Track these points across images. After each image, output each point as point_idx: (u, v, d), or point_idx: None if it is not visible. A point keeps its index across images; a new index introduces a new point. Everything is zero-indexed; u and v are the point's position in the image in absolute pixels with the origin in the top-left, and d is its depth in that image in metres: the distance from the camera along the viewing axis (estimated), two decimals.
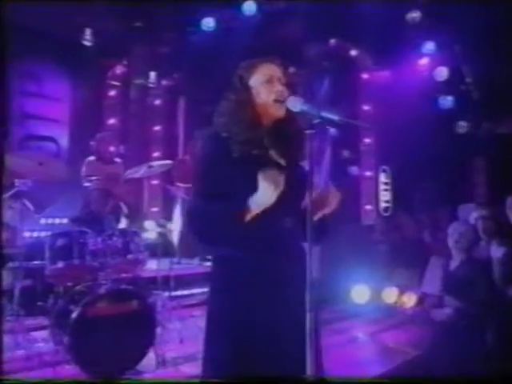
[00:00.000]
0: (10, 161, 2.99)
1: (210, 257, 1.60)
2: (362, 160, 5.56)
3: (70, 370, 2.64)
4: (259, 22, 5.02)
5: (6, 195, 2.94)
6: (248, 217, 1.36)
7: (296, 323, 1.32)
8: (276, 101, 1.49)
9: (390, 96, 5.32)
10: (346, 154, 5.50)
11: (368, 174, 5.57)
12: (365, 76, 5.61)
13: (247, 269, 1.41)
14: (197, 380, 1.49)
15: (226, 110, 1.51)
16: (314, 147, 1.42)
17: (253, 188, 1.37)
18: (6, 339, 2.91)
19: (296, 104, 1.44)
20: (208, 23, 5.30)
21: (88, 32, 5.25)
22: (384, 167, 5.56)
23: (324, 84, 5.40)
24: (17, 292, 2.91)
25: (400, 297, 4.39)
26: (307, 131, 1.41)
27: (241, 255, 1.42)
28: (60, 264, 2.88)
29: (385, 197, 5.52)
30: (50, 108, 5.61)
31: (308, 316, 1.26)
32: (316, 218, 1.42)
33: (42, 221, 4.96)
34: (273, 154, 1.52)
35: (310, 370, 1.24)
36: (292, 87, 1.58)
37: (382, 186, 5.54)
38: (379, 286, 4.55)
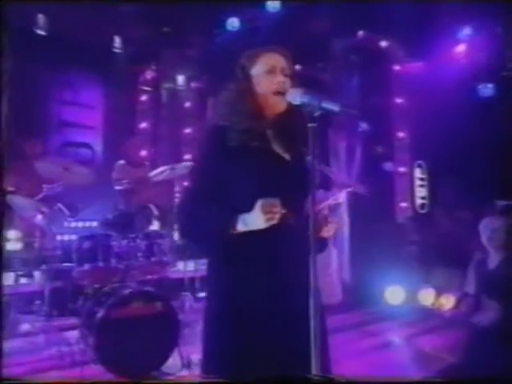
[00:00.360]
0: (38, 167, 3.12)
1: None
2: (396, 155, 5.32)
3: (96, 370, 2.69)
4: (284, 19, 4.94)
5: (35, 199, 3.06)
6: (234, 232, 1.31)
7: (297, 327, 1.26)
8: (276, 93, 1.42)
9: (424, 87, 5.05)
10: (378, 149, 5.29)
11: (402, 169, 5.31)
12: (396, 68, 5.37)
13: (244, 272, 1.34)
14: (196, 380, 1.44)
15: (227, 99, 1.47)
16: (317, 142, 1.33)
17: (249, 183, 1.32)
18: (39, 339, 3.03)
19: (296, 96, 1.37)
20: (233, 23, 5.28)
21: (118, 40, 5.39)
22: (419, 162, 5.29)
23: (353, 78, 5.24)
24: (47, 293, 3.02)
25: (437, 298, 4.15)
26: (309, 124, 1.33)
27: (234, 259, 1.35)
28: (86, 266, 2.96)
29: (421, 193, 5.25)
30: (85, 115, 5.82)
31: (312, 322, 1.19)
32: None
33: (80, 224, 5.15)
34: (276, 147, 1.46)
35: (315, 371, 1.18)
36: (296, 79, 1.51)
37: (418, 182, 5.27)
38: (415, 287, 4.33)
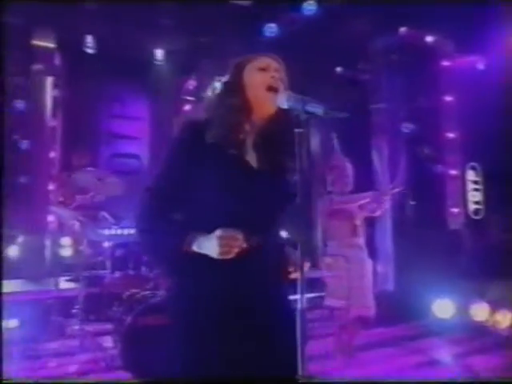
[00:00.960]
0: (75, 178, 3.29)
1: None
2: (446, 157, 4.94)
3: (125, 375, 2.75)
4: (321, 21, 4.81)
5: (70, 208, 3.21)
6: (189, 251, 1.23)
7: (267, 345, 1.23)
8: (269, 88, 1.34)
9: (476, 83, 4.66)
10: (426, 151, 4.97)
11: (453, 172, 4.92)
12: (445, 63, 5.01)
13: (206, 288, 1.26)
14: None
15: (215, 95, 1.40)
16: (304, 149, 1.24)
17: (215, 196, 1.25)
18: (74, 343, 3.17)
19: (283, 99, 1.29)
20: (270, 28, 5.26)
21: (159, 53, 5.59)
22: (473, 164, 4.87)
23: (398, 77, 4.98)
24: (81, 299, 3.15)
25: (492, 314, 3.75)
26: (296, 130, 1.24)
27: (194, 283, 1.27)
28: (117, 273, 3.05)
29: (474, 197, 4.82)
30: (132, 127, 6.10)
31: (299, 348, 1.13)
32: None
33: (125, 232, 5.36)
34: (254, 159, 1.34)
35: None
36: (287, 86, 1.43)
37: (471, 186, 4.85)
38: (466, 301, 3.96)
